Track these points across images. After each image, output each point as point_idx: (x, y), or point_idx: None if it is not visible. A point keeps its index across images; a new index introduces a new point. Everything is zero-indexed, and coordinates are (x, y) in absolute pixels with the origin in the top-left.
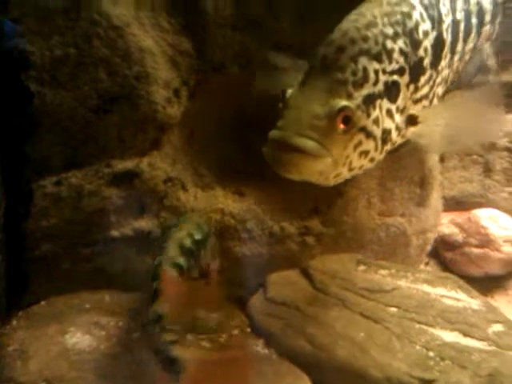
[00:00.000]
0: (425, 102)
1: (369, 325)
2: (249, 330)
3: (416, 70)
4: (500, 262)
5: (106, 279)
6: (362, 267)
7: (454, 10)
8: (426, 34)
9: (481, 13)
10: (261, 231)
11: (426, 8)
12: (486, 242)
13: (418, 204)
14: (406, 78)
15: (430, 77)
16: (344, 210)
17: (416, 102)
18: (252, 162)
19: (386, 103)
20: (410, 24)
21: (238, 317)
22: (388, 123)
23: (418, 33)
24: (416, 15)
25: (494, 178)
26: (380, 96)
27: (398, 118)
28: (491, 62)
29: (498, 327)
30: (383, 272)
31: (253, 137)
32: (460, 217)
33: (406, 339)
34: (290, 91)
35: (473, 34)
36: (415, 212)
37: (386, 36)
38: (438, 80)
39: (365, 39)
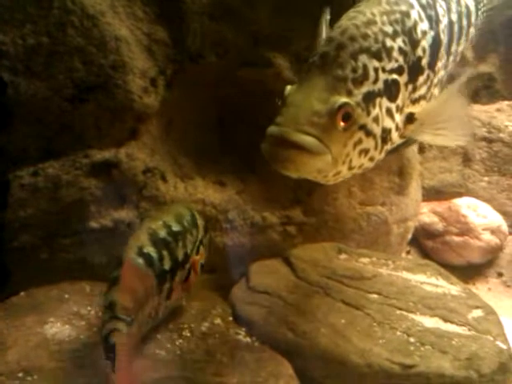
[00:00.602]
0: (422, 103)
1: (350, 312)
2: (231, 318)
3: (414, 70)
4: (480, 249)
5: (86, 270)
6: (343, 256)
7: (449, 11)
8: (424, 33)
9: (468, 15)
10: (242, 221)
11: (423, 8)
12: (466, 230)
13: (398, 193)
14: (404, 77)
15: (428, 77)
16: (325, 199)
17: (414, 102)
18: (232, 151)
19: (385, 102)
20: (409, 23)
21: (220, 306)
22: (388, 122)
23: (416, 32)
24: (414, 14)
25: (474, 167)
26: (380, 94)
27: (398, 117)
28: (468, 54)
29: (477, 312)
30: (364, 260)
31: (232, 126)
32: (440, 206)
33: (387, 325)
34: (289, 88)
35: (463, 36)
36: (395, 201)
37: (385, 34)
38: (435, 81)
39: (364, 37)
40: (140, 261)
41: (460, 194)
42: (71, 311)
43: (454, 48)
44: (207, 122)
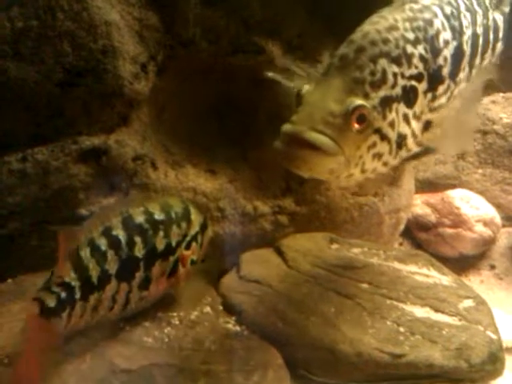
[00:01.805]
0: (442, 112)
1: (340, 301)
2: (221, 307)
3: (434, 79)
4: (473, 241)
5: None
6: (334, 245)
7: (474, 23)
8: (446, 43)
9: (496, 29)
10: (233, 210)
11: (447, 18)
12: (459, 222)
13: (391, 184)
14: (423, 85)
15: (448, 87)
16: (317, 189)
17: (433, 110)
18: (224, 140)
19: (402, 108)
20: (431, 31)
21: (209, 295)
22: (404, 128)
23: (438, 41)
24: (437, 23)
25: (468, 159)
26: (397, 100)
27: (415, 124)
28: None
29: (468, 303)
30: (356, 250)
31: (224, 114)
32: (433, 198)
33: (377, 315)
34: (305, 88)
35: (489, 50)
36: (388, 191)
37: (406, 40)
38: (456, 92)
39: (385, 42)
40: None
41: (454, 186)
42: None
43: (477, 61)
44: (199, 110)
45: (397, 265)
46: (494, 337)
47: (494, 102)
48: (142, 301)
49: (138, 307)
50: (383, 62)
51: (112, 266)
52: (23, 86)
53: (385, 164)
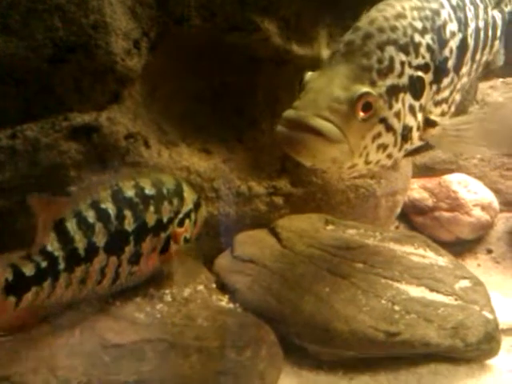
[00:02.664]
0: (444, 107)
1: (335, 280)
2: (214, 286)
3: (440, 70)
4: (470, 225)
5: None
6: (330, 227)
7: (477, 17)
8: (452, 34)
9: (494, 26)
10: (228, 190)
11: (453, 9)
12: (456, 206)
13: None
14: (430, 76)
15: (452, 80)
16: (312, 170)
17: (436, 104)
18: (219, 119)
19: (409, 98)
20: (439, 22)
21: (203, 274)
22: (410, 120)
23: (445, 32)
24: (444, 14)
25: None
26: (404, 89)
27: (420, 116)
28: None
29: (464, 283)
30: (351, 231)
31: (219, 94)
32: (430, 182)
33: (372, 293)
34: (309, 74)
35: (488, 47)
36: (384, 174)
37: (414, 29)
38: (458, 86)
39: (393, 29)
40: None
41: (451, 171)
42: None
43: (478, 56)
44: (194, 89)
45: (392, 245)
46: (490, 317)
47: (492, 87)
48: (133, 276)
49: (128, 282)
50: (391, 50)
51: (100, 239)
52: (12, 62)
53: (389, 156)
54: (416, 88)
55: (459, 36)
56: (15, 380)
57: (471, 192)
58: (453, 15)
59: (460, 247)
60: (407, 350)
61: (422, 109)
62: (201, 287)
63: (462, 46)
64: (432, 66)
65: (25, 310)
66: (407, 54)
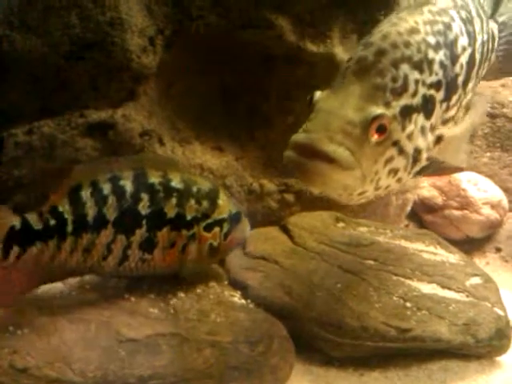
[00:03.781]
0: (450, 125)
1: (346, 277)
2: (226, 282)
3: (450, 87)
4: (479, 224)
5: None
6: (340, 224)
7: (482, 30)
8: (463, 49)
9: (493, 38)
10: (240, 187)
11: (464, 22)
12: (466, 204)
13: None
14: (441, 94)
15: (459, 97)
16: None
17: (445, 122)
18: (232, 117)
19: (421, 119)
20: (451, 36)
21: (215, 271)
22: (421, 141)
23: (456, 47)
24: (456, 28)
25: (476, 143)
26: (417, 110)
27: (430, 137)
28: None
29: (475, 280)
30: (362, 229)
31: (233, 91)
32: (440, 180)
33: (383, 290)
34: (318, 94)
35: (487, 60)
36: None
37: (428, 45)
38: (464, 102)
39: (407, 45)
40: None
41: (461, 170)
42: None
43: (481, 71)
44: (207, 87)
45: (403, 243)
46: (501, 313)
47: (503, 85)
48: (145, 264)
49: (139, 270)
50: (405, 68)
51: (111, 212)
52: (30, 58)
53: (399, 180)
54: (428, 107)
55: (469, 51)
56: (33, 372)
57: (481, 190)
58: (463, 29)
59: (469, 245)
60: (418, 345)
61: (432, 129)
62: (213, 283)
63: (471, 61)
64: (444, 83)
65: (27, 271)
66: (421, 71)
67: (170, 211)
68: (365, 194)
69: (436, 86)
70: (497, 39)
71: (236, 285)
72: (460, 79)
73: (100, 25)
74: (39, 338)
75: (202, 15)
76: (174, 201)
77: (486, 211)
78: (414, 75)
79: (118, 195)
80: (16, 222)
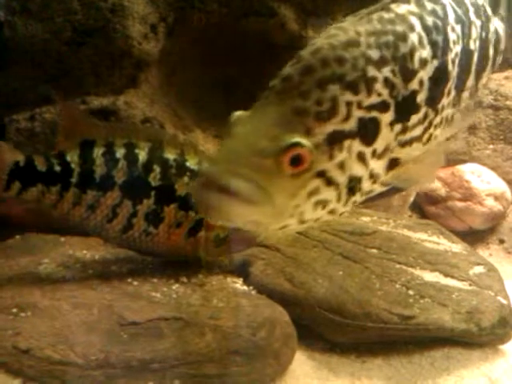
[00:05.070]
0: (416, 146)
1: (348, 264)
2: (228, 269)
3: (405, 107)
4: (483, 215)
5: None
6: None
7: (467, 36)
8: (423, 62)
9: (497, 41)
10: None
11: (427, 31)
12: (469, 195)
13: None
14: (389, 116)
15: (426, 116)
16: None
17: (404, 144)
18: (234, 105)
19: (357, 145)
20: (404, 49)
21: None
22: (357, 169)
23: (412, 60)
24: (413, 38)
25: (479, 135)
26: (351, 135)
27: (374, 163)
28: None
29: (479, 269)
30: (365, 218)
31: (235, 79)
32: (443, 172)
33: (386, 278)
34: (237, 114)
35: (488, 67)
36: None
37: (368, 60)
38: (437, 120)
39: (340, 61)
40: None
41: (464, 162)
42: (67, 254)
43: (470, 82)
44: (209, 76)
45: (406, 232)
46: (504, 302)
47: (507, 77)
48: (149, 238)
49: (143, 243)
50: (334, 88)
51: (120, 176)
52: (31, 44)
53: (332, 212)
54: (368, 132)
55: (434, 64)
56: (35, 354)
57: (484, 182)
58: (425, 39)
59: (472, 237)
60: (421, 333)
61: (377, 155)
62: (215, 270)
63: (440, 76)
64: (392, 103)
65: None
66: (356, 92)
67: (181, 189)
68: (288, 228)
69: (380, 107)
70: (502, 40)
71: (238, 272)
72: (420, 97)
73: (101, 11)
74: (42, 320)
75: (205, 2)
76: (185, 180)
77: (490, 203)
78: (346, 97)
79: (130, 161)
80: (20, 159)
